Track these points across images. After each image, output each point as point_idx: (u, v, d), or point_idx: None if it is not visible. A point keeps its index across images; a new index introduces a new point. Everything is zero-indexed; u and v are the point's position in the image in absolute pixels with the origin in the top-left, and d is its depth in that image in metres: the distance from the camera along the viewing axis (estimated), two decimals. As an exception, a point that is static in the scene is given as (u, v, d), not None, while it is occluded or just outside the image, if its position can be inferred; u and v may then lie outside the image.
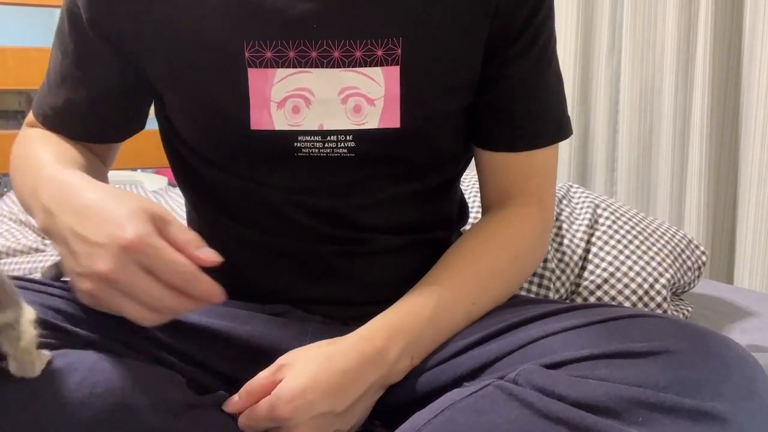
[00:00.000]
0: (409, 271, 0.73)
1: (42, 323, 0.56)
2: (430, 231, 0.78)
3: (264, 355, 0.66)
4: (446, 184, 0.80)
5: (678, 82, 1.63)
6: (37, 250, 1.13)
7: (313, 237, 0.74)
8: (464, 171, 0.83)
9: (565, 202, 1.15)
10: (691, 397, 0.52)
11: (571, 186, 1.20)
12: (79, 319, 0.61)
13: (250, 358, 0.67)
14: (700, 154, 1.57)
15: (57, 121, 0.77)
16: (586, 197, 1.16)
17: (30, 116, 0.80)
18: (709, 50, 1.54)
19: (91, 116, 0.77)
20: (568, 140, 1.90)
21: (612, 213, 1.12)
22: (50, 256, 1.07)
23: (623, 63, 1.75)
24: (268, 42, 0.67)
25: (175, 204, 1.71)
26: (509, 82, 0.74)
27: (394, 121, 0.70)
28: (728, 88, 1.57)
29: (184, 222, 0.85)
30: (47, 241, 1.16)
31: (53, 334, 0.58)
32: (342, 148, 0.70)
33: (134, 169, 2.97)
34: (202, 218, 0.80)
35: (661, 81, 1.68)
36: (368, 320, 0.68)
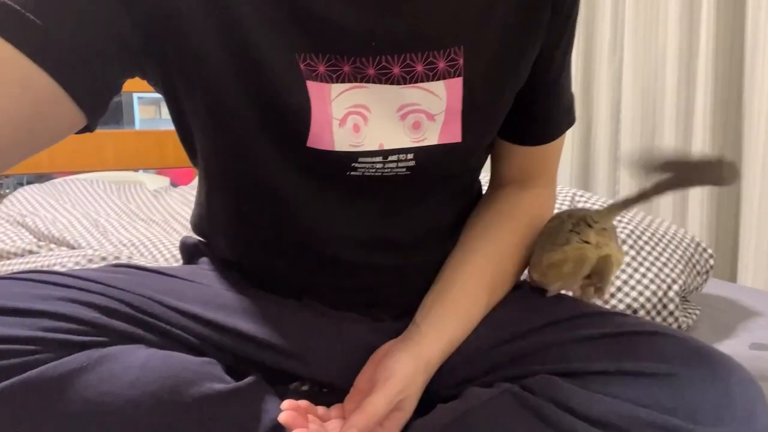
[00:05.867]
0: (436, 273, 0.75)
1: (77, 320, 0.58)
2: (457, 229, 0.78)
3: (296, 358, 0.69)
4: (474, 179, 0.80)
5: (680, 81, 1.62)
6: (31, 252, 1.12)
7: (349, 267, 0.72)
8: None
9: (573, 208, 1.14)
10: (693, 420, 0.55)
11: (576, 193, 1.19)
12: (115, 312, 0.61)
13: (284, 359, 0.69)
14: (702, 151, 1.56)
15: (37, 40, 0.53)
16: (592, 205, 1.14)
17: None
18: (711, 48, 1.53)
19: (85, 52, 0.56)
20: (570, 139, 1.91)
21: (620, 220, 1.10)
22: (44, 257, 1.06)
23: (625, 61, 1.74)
24: (320, 55, 0.61)
25: (175, 203, 1.71)
26: (545, 79, 0.73)
27: (455, 136, 0.66)
28: (731, 86, 1.56)
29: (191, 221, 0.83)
30: (41, 243, 1.16)
31: (93, 331, 0.59)
32: (401, 167, 0.66)
33: (136, 170, 2.97)
34: (233, 238, 0.76)
35: (663, 79, 1.67)
36: (400, 315, 0.72)
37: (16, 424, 0.52)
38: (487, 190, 0.82)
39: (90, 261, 1.02)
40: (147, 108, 4.24)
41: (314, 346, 0.70)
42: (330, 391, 0.72)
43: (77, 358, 0.56)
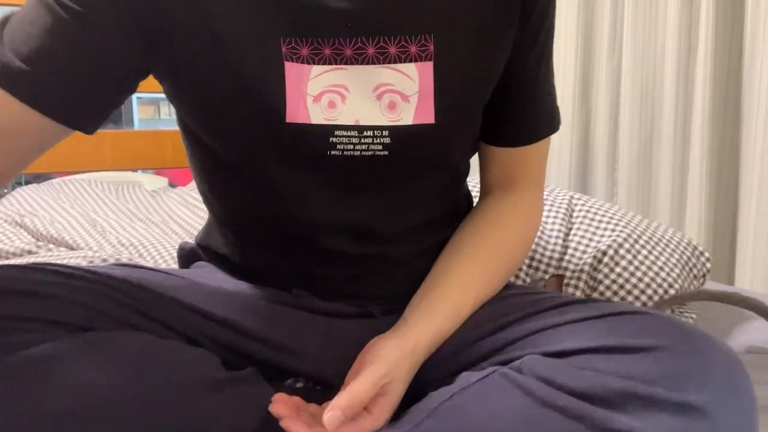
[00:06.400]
0: (427, 269, 0.77)
1: (84, 305, 0.62)
2: (444, 229, 0.81)
3: (289, 352, 0.72)
4: (460, 177, 0.82)
5: (679, 81, 1.62)
6: (30, 252, 1.12)
7: (336, 257, 0.76)
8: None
9: (569, 213, 1.14)
10: (677, 390, 0.57)
11: (573, 195, 1.19)
12: (119, 301, 0.64)
13: (272, 349, 0.72)
14: (701, 153, 1.56)
15: (26, 84, 0.61)
16: (590, 208, 1.15)
17: None
18: (710, 49, 1.53)
19: (71, 86, 0.64)
20: (568, 139, 1.91)
21: (617, 223, 1.11)
22: (42, 257, 1.06)
23: (624, 62, 1.74)
24: (304, 40, 0.67)
25: (173, 204, 1.71)
26: (520, 81, 0.78)
27: (429, 117, 0.70)
28: (729, 87, 1.56)
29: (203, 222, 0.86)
30: (40, 243, 1.16)
31: (96, 316, 0.62)
32: (377, 144, 0.70)
33: (134, 170, 2.97)
34: (227, 232, 0.80)
35: (662, 80, 1.68)
36: (390, 309, 0.75)
37: (16, 396, 0.54)
38: (478, 200, 0.85)
39: (90, 263, 1.02)
40: (146, 108, 4.24)
41: (306, 341, 0.73)
42: (324, 388, 0.74)
43: (78, 338, 0.58)
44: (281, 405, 0.62)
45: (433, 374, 0.70)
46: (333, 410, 0.60)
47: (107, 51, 0.64)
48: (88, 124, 0.67)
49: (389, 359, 0.65)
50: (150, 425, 0.58)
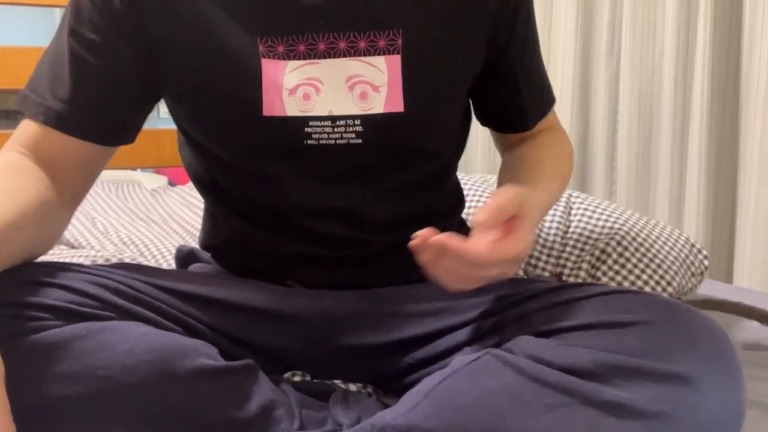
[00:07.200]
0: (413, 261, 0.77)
1: (95, 297, 0.64)
2: (430, 221, 0.81)
3: (281, 320, 0.75)
4: (445, 170, 0.85)
5: (677, 83, 1.63)
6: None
7: (319, 242, 0.78)
8: (460, 156, 0.88)
9: (568, 210, 1.14)
10: (662, 361, 0.59)
11: (571, 194, 1.19)
12: (122, 293, 0.67)
13: (269, 324, 0.74)
14: (699, 153, 1.57)
15: (67, 119, 0.72)
16: (588, 205, 1.15)
17: (18, 133, 0.74)
18: (708, 50, 1.54)
19: (106, 111, 0.74)
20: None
21: (615, 220, 1.11)
22: (43, 256, 1.06)
23: (623, 63, 1.75)
24: (279, 38, 0.72)
25: (173, 203, 1.71)
26: (504, 72, 0.82)
27: (398, 106, 0.74)
28: (727, 88, 1.56)
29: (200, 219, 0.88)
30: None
31: (105, 307, 0.64)
32: (350, 132, 0.73)
33: (134, 169, 2.97)
34: (221, 220, 0.84)
35: (660, 81, 1.68)
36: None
37: (22, 379, 0.56)
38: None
39: (93, 262, 1.02)
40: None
41: (301, 310, 0.75)
42: (321, 379, 0.76)
43: (79, 326, 0.60)
44: (427, 233, 0.63)
45: (429, 350, 0.73)
46: (483, 210, 0.61)
47: (125, 70, 0.73)
48: (126, 139, 0.77)
49: (521, 189, 0.67)
50: (146, 412, 0.59)
